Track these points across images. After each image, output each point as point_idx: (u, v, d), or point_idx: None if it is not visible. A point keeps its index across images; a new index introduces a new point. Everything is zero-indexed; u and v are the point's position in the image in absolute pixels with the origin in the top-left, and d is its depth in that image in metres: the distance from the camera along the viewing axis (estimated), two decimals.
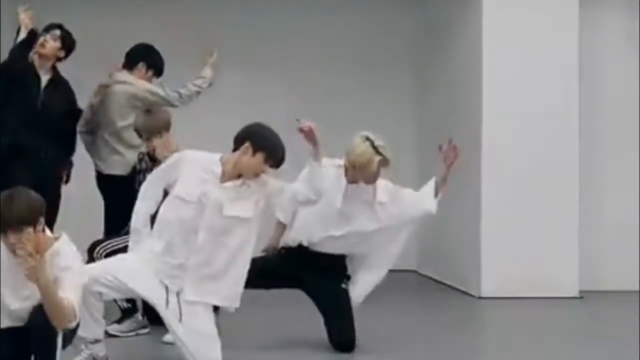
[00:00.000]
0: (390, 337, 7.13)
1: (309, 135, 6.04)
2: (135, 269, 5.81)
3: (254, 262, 6.35)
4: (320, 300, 6.75)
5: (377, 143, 6.73)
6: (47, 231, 5.10)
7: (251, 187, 5.88)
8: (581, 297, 9.01)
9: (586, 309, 8.70)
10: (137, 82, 7.43)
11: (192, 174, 5.87)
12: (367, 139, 6.71)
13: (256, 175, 5.88)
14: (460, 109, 9.60)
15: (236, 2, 10.55)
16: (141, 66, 7.54)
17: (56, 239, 5.07)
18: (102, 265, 5.90)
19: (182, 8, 10.42)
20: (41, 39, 7.03)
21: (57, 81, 7.11)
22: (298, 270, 6.71)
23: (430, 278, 10.27)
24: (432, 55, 10.46)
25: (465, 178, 9.42)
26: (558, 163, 9.07)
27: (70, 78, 7.30)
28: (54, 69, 7.13)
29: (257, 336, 7.18)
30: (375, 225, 6.76)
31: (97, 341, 5.86)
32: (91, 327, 5.69)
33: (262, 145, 5.86)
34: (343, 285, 6.77)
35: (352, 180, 6.70)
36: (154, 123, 6.81)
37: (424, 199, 6.86)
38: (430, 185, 6.89)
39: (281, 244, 6.85)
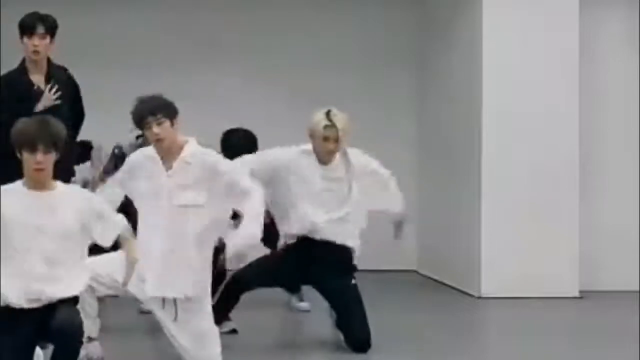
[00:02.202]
0: (390, 337, 7.12)
1: None
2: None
3: (261, 260, 6.37)
4: (330, 298, 6.74)
5: (332, 112, 6.76)
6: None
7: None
8: (581, 297, 9.01)
9: (586, 309, 8.69)
10: None
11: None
12: (327, 111, 6.65)
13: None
14: (460, 109, 9.60)
15: (235, 1, 10.54)
16: None
17: None
18: (98, 262, 5.78)
19: (181, 8, 10.42)
20: (30, 46, 6.63)
21: (54, 77, 6.82)
22: (306, 267, 6.68)
23: (430, 278, 10.26)
24: (432, 55, 10.46)
25: (465, 178, 9.42)
26: (558, 163, 9.07)
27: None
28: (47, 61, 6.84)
29: (258, 336, 7.18)
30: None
31: (91, 340, 5.84)
32: (85, 324, 5.68)
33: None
34: (353, 281, 6.77)
35: (320, 160, 6.69)
36: None
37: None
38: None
39: (283, 241, 6.81)
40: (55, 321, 4.96)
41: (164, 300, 5.79)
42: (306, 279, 6.79)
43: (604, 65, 9.55)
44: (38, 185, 5.12)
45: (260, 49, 10.45)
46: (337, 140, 6.65)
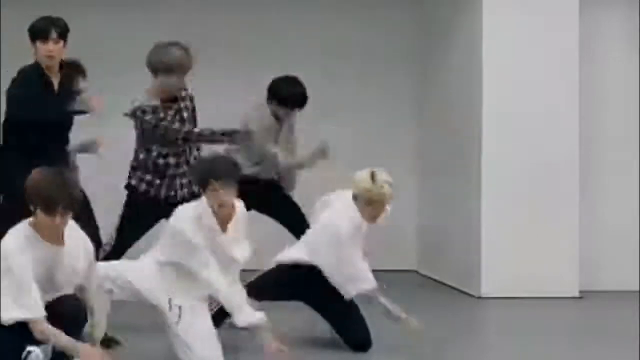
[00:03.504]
0: (390, 336, 7.12)
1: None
2: (146, 275, 5.87)
3: (264, 277, 6.43)
4: (322, 310, 6.75)
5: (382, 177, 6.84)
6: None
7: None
8: (581, 297, 9.01)
9: (586, 309, 8.70)
10: None
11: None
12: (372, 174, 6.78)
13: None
14: (460, 109, 9.60)
15: (235, 3, 10.55)
16: None
17: None
18: (122, 268, 6.10)
19: (180, 8, 10.42)
20: (44, 51, 6.54)
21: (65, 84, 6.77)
22: (305, 290, 6.70)
23: (430, 278, 10.26)
24: (432, 56, 10.46)
25: (465, 178, 9.42)
26: (558, 163, 9.07)
27: None
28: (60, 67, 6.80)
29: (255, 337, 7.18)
30: None
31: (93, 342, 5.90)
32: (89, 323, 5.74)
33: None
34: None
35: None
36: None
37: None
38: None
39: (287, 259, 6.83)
40: (61, 308, 5.18)
41: (170, 303, 5.87)
42: (302, 300, 6.82)
43: (604, 65, 9.55)
44: (51, 239, 5.21)
45: (260, 49, 10.45)
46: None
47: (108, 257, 6.66)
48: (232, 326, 7.22)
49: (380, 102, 10.74)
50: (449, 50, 9.97)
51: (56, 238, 5.21)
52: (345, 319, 6.66)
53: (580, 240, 9.10)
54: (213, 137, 7.08)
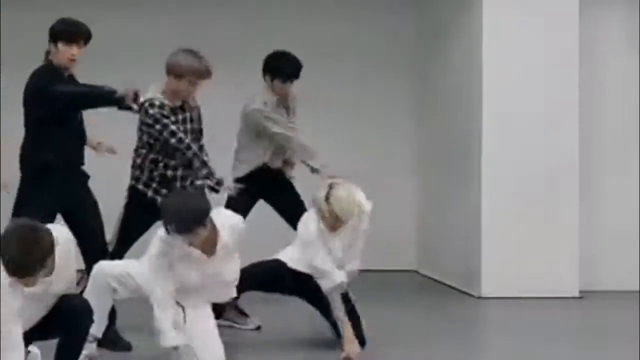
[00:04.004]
0: (390, 336, 7.12)
1: None
2: (150, 275, 5.91)
3: (254, 269, 6.48)
4: (314, 302, 6.77)
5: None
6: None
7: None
8: (581, 297, 9.01)
9: (586, 309, 8.70)
10: None
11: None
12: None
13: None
14: (460, 109, 9.60)
15: (234, 5, 10.55)
16: None
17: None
18: (123, 265, 6.19)
19: (179, 8, 10.42)
20: (67, 54, 6.53)
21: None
22: (297, 286, 6.75)
23: (430, 278, 10.26)
24: (432, 57, 10.46)
25: (465, 178, 9.42)
26: (558, 163, 9.07)
27: None
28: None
29: (258, 336, 7.18)
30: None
31: (95, 340, 5.92)
32: (97, 324, 5.77)
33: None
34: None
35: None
36: None
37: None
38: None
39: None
40: (66, 304, 5.16)
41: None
42: (296, 294, 6.85)
43: (604, 65, 9.55)
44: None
45: (259, 49, 10.43)
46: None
47: (111, 257, 6.66)
48: (233, 326, 7.26)
49: (380, 102, 10.74)
50: (449, 50, 9.97)
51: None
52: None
53: (580, 240, 9.10)
54: (200, 169, 6.87)
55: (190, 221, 5.68)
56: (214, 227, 5.84)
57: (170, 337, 5.80)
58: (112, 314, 6.48)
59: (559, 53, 9.08)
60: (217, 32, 10.26)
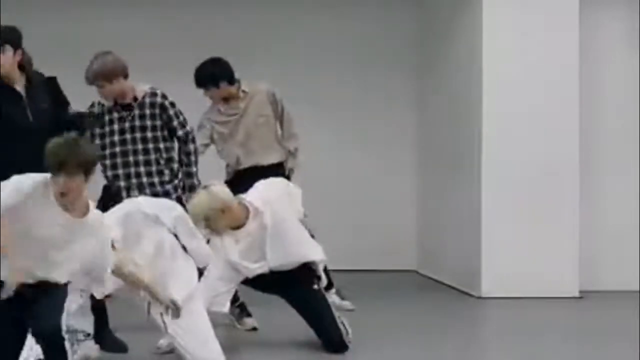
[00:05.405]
0: (390, 337, 7.13)
1: None
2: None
3: None
4: (296, 307, 6.76)
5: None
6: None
7: None
8: (581, 297, 9.01)
9: (586, 309, 8.70)
10: None
11: None
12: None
13: None
14: (460, 109, 9.60)
15: (234, 2, 10.55)
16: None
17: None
18: None
19: (179, 8, 10.43)
20: None
21: (32, 87, 6.55)
22: (269, 282, 6.71)
23: (430, 278, 10.27)
24: (432, 56, 10.46)
25: (465, 178, 9.42)
26: (558, 163, 9.07)
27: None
28: (25, 73, 6.55)
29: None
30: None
31: (87, 337, 5.85)
32: (81, 318, 5.71)
33: None
34: (314, 287, 6.74)
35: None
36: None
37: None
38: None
39: None
40: (34, 322, 4.95)
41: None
42: (269, 287, 6.80)
43: (604, 65, 9.55)
44: (66, 208, 5.02)
45: (259, 49, 10.45)
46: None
47: None
48: (233, 326, 7.26)
49: (380, 103, 10.74)
50: (449, 50, 9.97)
51: (67, 206, 4.99)
52: (315, 320, 6.66)
53: (580, 240, 9.10)
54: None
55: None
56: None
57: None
58: (103, 315, 6.45)
59: (559, 53, 9.08)
60: (217, 32, 10.27)
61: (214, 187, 6.45)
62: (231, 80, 7.74)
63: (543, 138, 9.05)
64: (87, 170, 4.95)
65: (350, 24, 10.70)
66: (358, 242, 10.42)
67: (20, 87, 6.47)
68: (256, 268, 6.55)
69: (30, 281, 4.97)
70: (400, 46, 10.81)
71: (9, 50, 6.41)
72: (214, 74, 7.70)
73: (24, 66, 6.50)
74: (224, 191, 6.47)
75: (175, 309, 5.74)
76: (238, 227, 6.52)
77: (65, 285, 5.11)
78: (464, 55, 9.56)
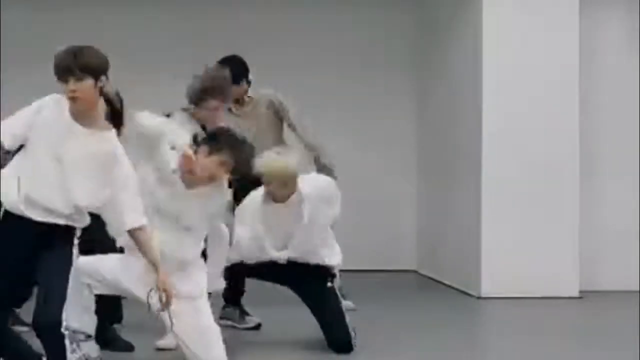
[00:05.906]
0: (390, 336, 7.13)
1: None
2: (134, 272, 5.77)
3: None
4: (307, 302, 6.78)
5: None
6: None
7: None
8: (581, 297, 9.01)
9: (586, 309, 8.70)
10: None
11: None
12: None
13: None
14: (460, 108, 9.60)
15: (234, 3, 10.55)
16: None
17: None
18: (100, 261, 5.85)
19: (178, 8, 10.43)
20: None
21: None
22: (282, 274, 6.74)
23: (430, 278, 10.27)
24: (432, 55, 10.47)
25: (465, 178, 9.43)
26: (558, 163, 9.07)
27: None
28: None
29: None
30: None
31: (88, 338, 5.83)
32: (83, 319, 5.69)
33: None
34: (328, 284, 6.76)
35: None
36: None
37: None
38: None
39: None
40: (34, 316, 4.91)
41: (150, 291, 5.79)
42: (283, 279, 6.84)
43: (604, 65, 9.55)
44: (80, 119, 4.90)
45: (259, 49, 10.45)
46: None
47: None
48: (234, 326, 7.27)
49: (380, 103, 10.74)
50: (449, 50, 9.97)
51: (78, 117, 4.88)
52: (326, 318, 6.67)
53: (580, 240, 9.10)
54: None
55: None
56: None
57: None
58: (118, 314, 6.43)
59: (559, 53, 9.08)
60: (217, 32, 10.26)
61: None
62: (248, 81, 7.78)
63: (543, 138, 9.05)
64: (95, 74, 4.89)
65: (350, 24, 10.70)
66: (358, 242, 10.40)
67: None
68: (273, 254, 6.64)
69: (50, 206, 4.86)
70: (400, 46, 10.81)
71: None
72: (240, 71, 7.73)
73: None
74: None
75: (165, 294, 5.54)
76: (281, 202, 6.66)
77: (71, 262, 4.99)
78: (464, 55, 9.56)
